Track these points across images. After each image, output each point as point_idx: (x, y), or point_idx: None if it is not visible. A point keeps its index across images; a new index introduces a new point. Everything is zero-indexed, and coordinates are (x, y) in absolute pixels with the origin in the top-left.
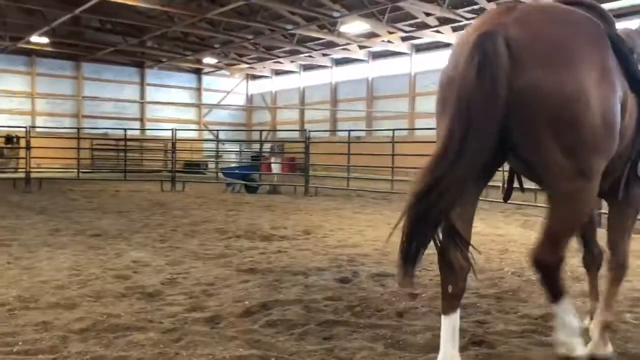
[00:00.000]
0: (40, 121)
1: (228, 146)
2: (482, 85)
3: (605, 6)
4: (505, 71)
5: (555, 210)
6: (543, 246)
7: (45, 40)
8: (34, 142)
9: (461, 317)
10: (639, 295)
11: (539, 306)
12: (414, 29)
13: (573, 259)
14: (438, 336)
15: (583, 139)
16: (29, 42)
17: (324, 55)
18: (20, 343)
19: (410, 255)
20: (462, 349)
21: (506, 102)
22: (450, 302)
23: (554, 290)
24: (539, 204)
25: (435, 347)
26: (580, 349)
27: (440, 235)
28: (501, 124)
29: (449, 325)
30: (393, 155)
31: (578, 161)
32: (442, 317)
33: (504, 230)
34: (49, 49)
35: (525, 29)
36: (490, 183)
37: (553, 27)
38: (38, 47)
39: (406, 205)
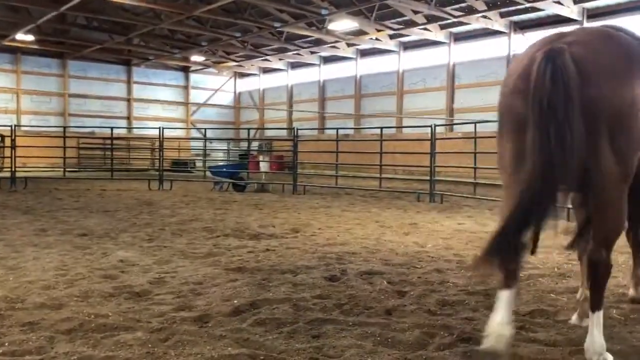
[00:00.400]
0: (25, 120)
1: (216, 144)
2: (557, 90)
3: (603, 1)
4: (575, 81)
5: (604, 214)
6: (598, 248)
7: (30, 37)
8: (19, 141)
9: (449, 315)
10: (625, 291)
11: (526, 303)
12: (402, 26)
13: (560, 257)
14: (426, 333)
15: (631, 142)
16: (14, 40)
17: (312, 53)
18: (6, 344)
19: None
20: (450, 345)
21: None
22: (507, 279)
23: (599, 297)
24: None
25: (423, 345)
26: None
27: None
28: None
29: (504, 300)
30: (381, 153)
31: (625, 165)
32: (499, 292)
33: (492, 228)
34: (35, 46)
35: (586, 47)
36: (479, 181)
37: (608, 47)
38: (23, 45)
39: (518, 199)
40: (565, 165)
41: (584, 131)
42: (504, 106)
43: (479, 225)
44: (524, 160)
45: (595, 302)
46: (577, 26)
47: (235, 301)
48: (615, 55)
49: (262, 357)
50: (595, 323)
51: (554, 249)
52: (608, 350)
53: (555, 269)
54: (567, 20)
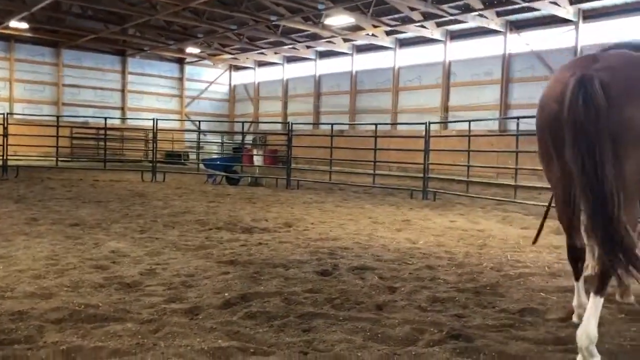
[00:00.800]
0: (18, 108)
1: (210, 137)
2: (589, 114)
3: (599, 3)
4: (604, 106)
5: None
6: None
7: (24, 25)
8: (11, 129)
9: (439, 311)
10: (612, 290)
11: (516, 301)
12: (398, 23)
13: (550, 256)
14: (416, 329)
15: None
16: (7, 27)
17: (308, 47)
18: None
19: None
20: (440, 342)
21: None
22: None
23: (604, 283)
24: (517, 200)
25: (413, 340)
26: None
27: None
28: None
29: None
30: (375, 149)
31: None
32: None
33: (483, 226)
34: (29, 34)
35: (613, 73)
36: (472, 179)
37: (632, 71)
38: (17, 33)
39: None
40: (596, 175)
41: (611, 147)
42: (544, 127)
43: (470, 223)
44: (566, 172)
45: (599, 287)
46: (573, 27)
47: (226, 294)
48: (637, 79)
49: (252, 350)
50: (594, 311)
51: (544, 248)
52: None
53: (546, 268)
54: (563, 21)
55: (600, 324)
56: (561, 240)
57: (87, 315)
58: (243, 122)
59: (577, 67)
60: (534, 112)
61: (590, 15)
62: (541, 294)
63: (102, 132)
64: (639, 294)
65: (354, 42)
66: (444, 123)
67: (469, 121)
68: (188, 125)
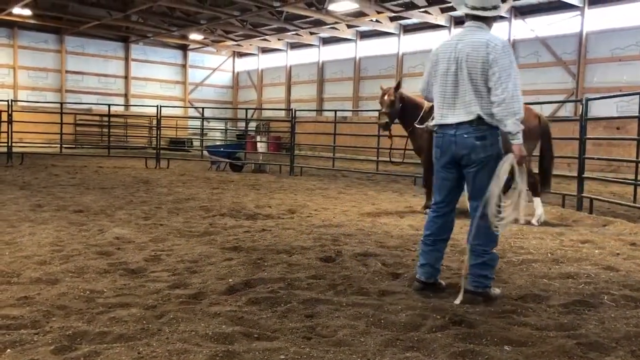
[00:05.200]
0: (22, 95)
1: (213, 124)
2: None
3: None
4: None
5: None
6: None
7: (27, 12)
8: (16, 116)
9: (442, 297)
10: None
11: (518, 287)
12: (402, 9)
13: (553, 243)
14: (419, 315)
15: None
16: (10, 14)
17: (311, 33)
18: (1, 318)
19: None
20: (442, 327)
21: None
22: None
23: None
24: None
25: (416, 326)
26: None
27: None
28: None
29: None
30: (379, 135)
31: None
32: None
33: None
34: (32, 21)
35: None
36: None
37: None
38: (20, 19)
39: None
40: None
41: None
42: (537, 133)
43: None
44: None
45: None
46: (578, 12)
47: (230, 280)
48: None
49: (255, 336)
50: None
51: (547, 235)
52: (595, 334)
53: (549, 255)
54: (568, 6)
55: (604, 311)
56: (563, 228)
57: (92, 300)
58: (246, 109)
59: (533, 111)
60: (536, 98)
61: (596, 0)
62: (544, 280)
63: (105, 119)
64: None
65: (358, 29)
66: None
67: None
68: (192, 112)
